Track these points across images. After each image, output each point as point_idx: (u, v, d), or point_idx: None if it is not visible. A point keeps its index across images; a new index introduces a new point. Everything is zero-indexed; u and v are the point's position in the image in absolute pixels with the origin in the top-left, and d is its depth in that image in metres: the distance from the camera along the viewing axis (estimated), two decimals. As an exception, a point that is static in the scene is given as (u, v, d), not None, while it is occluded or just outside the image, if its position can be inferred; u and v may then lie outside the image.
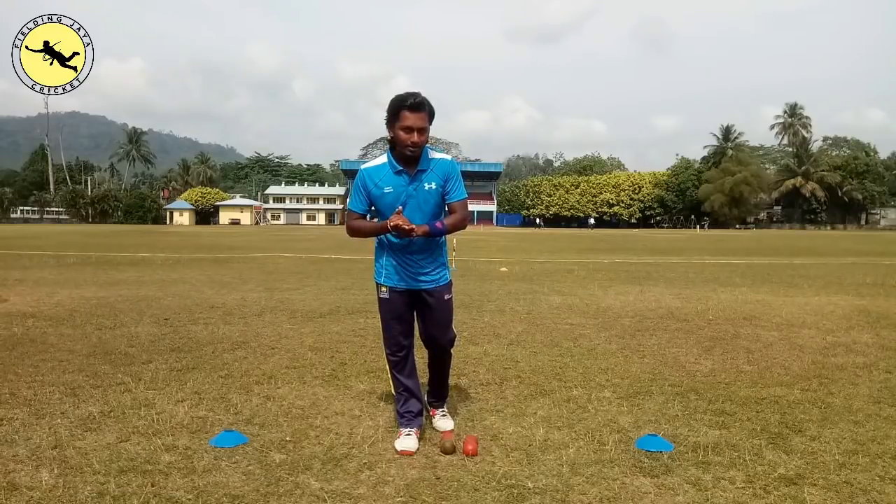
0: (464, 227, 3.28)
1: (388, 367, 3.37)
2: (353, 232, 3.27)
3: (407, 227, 2.97)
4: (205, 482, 2.67)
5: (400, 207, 3.06)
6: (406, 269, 3.23)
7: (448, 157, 3.24)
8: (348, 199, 3.40)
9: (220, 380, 4.27)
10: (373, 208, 3.23)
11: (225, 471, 2.79)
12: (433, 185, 3.14)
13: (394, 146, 3.13)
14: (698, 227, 72.85)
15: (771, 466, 2.88)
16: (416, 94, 3.04)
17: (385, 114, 3.09)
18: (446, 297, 3.32)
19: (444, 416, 3.49)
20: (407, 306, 3.29)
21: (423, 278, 3.24)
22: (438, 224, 3.13)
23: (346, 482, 2.70)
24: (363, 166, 3.27)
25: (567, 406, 3.76)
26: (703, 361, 4.92)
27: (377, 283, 3.33)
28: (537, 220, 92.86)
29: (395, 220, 2.98)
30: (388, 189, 3.14)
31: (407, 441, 3.08)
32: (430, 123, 3.09)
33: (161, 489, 2.60)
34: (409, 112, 3.00)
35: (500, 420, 3.51)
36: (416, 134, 3.01)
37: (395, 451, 3.03)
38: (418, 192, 3.13)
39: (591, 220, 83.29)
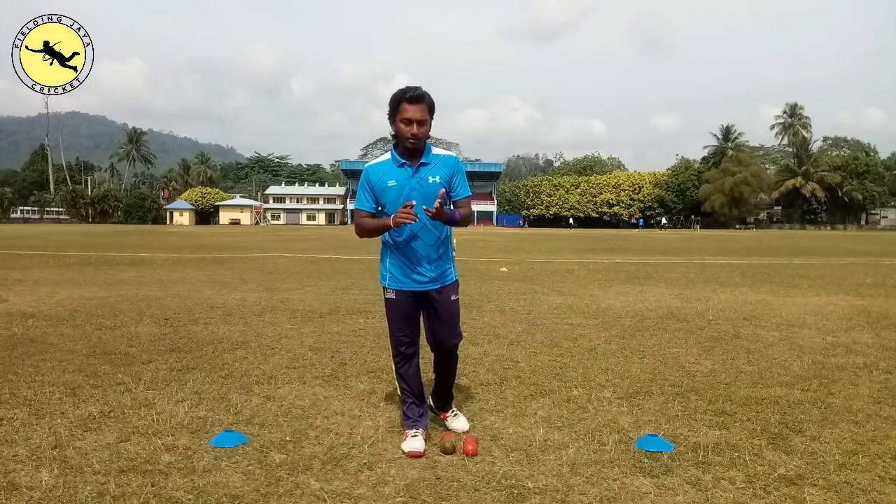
0: (468, 224, 3.27)
1: (394, 367, 3.35)
2: (361, 231, 3.22)
3: (411, 214, 2.93)
4: (205, 482, 2.67)
5: (409, 204, 3.02)
6: (411, 269, 3.18)
7: (452, 153, 3.25)
8: (354, 200, 3.37)
9: (220, 380, 4.27)
10: (379, 207, 3.21)
11: (225, 471, 2.79)
12: (437, 179, 3.14)
13: (397, 142, 3.16)
14: (698, 226, 72.72)
15: (771, 466, 2.88)
16: (415, 88, 3.07)
17: (388, 108, 3.12)
18: (453, 297, 3.28)
19: (455, 415, 3.46)
20: (413, 307, 3.25)
21: (428, 277, 3.19)
22: (457, 214, 3.12)
23: (346, 482, 2.70)
24: (367, 164, 3.28)
25: (567, 406, 3.76)
26: (703, 361, 4.92)
27: (383, 287, 3.29)
28: (569, 221, 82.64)
29: (400, 215, 2.95)
30: (391, 182, 3.14)
31: (414, 442, 3.06)
32: (431, 117, 3.11)
33: (161, 489, 2.60)
34: (409, 104, 3.03)
35: (500, 420, 3.51)
36: (415, 125, 3.03)
37: (403, 452, 3.02)
38: (422, 184, 3.13)
39: (664, 221, 77.95)
